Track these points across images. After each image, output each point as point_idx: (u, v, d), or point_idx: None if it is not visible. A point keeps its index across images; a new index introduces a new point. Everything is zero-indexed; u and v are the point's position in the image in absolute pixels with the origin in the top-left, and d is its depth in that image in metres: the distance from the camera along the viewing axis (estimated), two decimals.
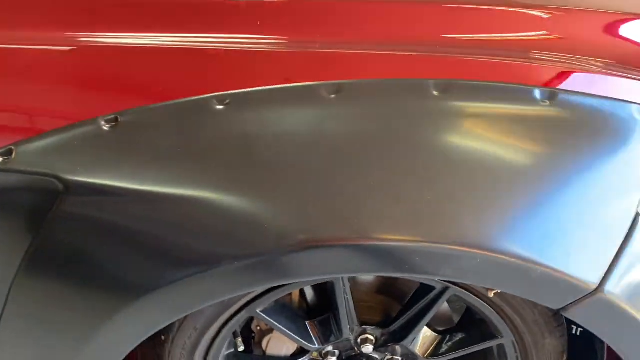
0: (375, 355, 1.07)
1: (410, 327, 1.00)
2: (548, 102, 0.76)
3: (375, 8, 0.84)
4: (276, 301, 0.99)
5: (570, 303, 0.74)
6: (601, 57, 0.82)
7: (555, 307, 0.75)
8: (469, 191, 0.70)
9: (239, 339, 1.03)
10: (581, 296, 0.73)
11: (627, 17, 0.88)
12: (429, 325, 1.05)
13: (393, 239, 0.69)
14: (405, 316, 1.00)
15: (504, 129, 0.76)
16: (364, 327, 1.04)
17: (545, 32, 0.85)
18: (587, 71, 0.81)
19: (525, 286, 0.72)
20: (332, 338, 1.02)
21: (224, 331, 0.98)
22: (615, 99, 0.77)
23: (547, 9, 0.87)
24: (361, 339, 1.05)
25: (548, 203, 0.72)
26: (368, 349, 1.04)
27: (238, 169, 0.72)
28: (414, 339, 1.02)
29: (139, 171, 0.73)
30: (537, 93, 0.77)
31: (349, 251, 0.70)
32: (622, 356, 0.81)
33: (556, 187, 0.73)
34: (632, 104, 0.79)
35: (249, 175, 0.72)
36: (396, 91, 0.75)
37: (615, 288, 0.73)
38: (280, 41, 0.81)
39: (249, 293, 0.92)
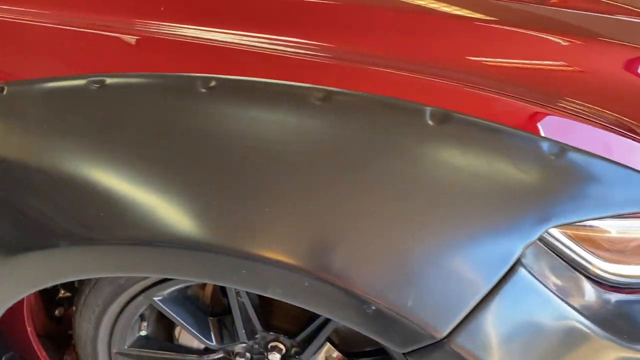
0: None
1: (310, 340, 0.94)
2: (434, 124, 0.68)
3: None
4: (180, 293, 0.98)
5: (416, 349, 0.65)
6: None
7: (399, 349, 0.67)
8: (305, 208, 0.64)
9: (144, 323, 1.03)
10: (426, 344, 0.64)
11: None
12: (336, 345, 0.99)
13: (233, 249, 0.65)
14: (309, 327, 0.95)
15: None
16: (273, 333, 1.00)
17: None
18: None
19: (362, 322, 0.65)
20: (229, 340, 0.99)
21: (126, 312, 0.98)
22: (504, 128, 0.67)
23: None
24: (271, 346, 1.01)
25: (406, 240, 0.64)
26: (275, 356, 1.00)
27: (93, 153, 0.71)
28: (315, 354, 0.96)
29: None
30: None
31: (173, 254, 0.67)
32: None
33: (421, 223, 0.64)
34: (541, 139, 0.69)
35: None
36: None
37: (466, 341, 0.63)
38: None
39: (145, 279, 0.91)
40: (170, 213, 0.69)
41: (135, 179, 0.69)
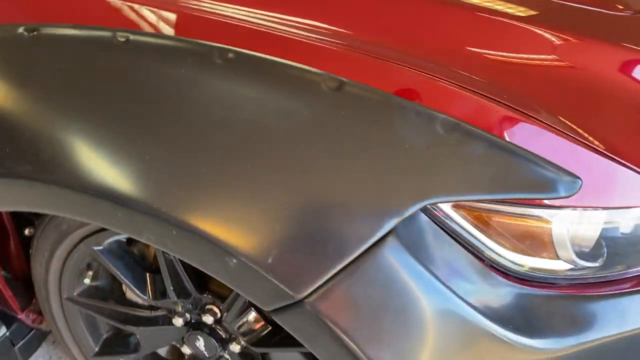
0: (220, 331, 1.05)
1: (232, 302, 0.96)
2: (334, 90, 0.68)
3: None
4: (121, 246, 1.02)
5: (279, 307, 0.66)
6: None
7: (264, 307, 0.68)
8: (179, 159, 0.66)
9: (89, 272, 1.08)
10: (286, 303, 0.65)
11: None
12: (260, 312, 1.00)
13: (110, 193, 0.68)
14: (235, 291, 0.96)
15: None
16: (210, 297, 1.02)
17: None
18: None
19: (226, 275, 0.66)
20: (160, 296, 1.02)
21: (71, 260, 1.04)
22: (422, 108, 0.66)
23: None
24: (206, 308, 1.04)
25: (273, 200, 0.65)
26: (208, 319, 1.03)
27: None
28: (238, 318, 0.97)
29: None
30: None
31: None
32: None
33: (292, 186, 0.65)
34: (435, 113, 0.67)
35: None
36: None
37: (324, 304, 0.63)
38: None
39: (83, 226, 0.96)
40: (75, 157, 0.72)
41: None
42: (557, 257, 0.73)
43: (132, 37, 0.74)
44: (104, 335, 1.21)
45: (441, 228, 0.70)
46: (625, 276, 0.79)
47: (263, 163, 0.66)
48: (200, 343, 1.07)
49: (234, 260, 0.63)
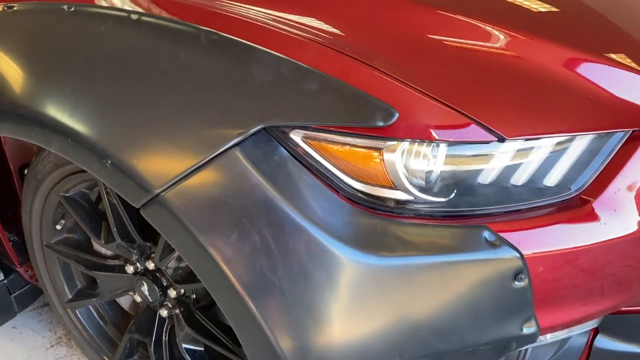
0: (159, 277, 1.21)
1: (162, 246, 1.12)
2: None
3: None
4: (83, 196, 1.22)
5: (145, 203, 0.82)
6: None
7: (135, 204, 0.84)
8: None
9: (62, 221, 1.28)
10: (148, 198, 0.81)
11: None
12: None
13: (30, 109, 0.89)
14: None
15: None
16: (150, 244, 1.19)
17: None
18: None
19: (105, 175, 0.84)
20: (110, 240, 1.20)
21: (47, 208, 1.25)
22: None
23: None
24: (150, 255, 1.20)
25: (142, 111, 0.83)
26: (149, 264, 1.19)
27: None
28: (165, 259, 1.13)
29: None
30: None
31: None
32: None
33: (157, 104, 0.83)
34: (284, 58, 0.83)
35: None
36: None
37: (174, 199, 0.79)
38: None
39: (52, 172, 1.17)
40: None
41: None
42: (395, 187, 0.84)
43: (76, 8, 0.97)
44: (79, 286, 1.40)
45: (294, 157, 0.85)
46: (474, 213, 0.88)
47: (142, 90, 0.84)
48: (145, 288, 1.23)
49: (109, 161, 0.81)
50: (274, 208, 0.79)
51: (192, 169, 0.79)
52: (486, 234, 0.84)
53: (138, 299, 1.28)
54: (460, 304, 0.84)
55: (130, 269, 1.22)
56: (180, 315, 1.20)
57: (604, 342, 1.13)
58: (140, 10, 0.92)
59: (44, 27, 0.98)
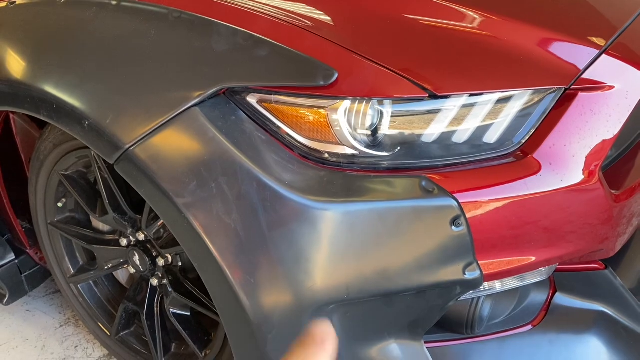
0: (149, 247, 1.32)
1: (148, 214, 1.24)
2: None
3: None
4: (80, 174, 1.35)
5: (117, 158, 0.93)
6: None
7: (110, 161, 0.95)
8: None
9: (63, 199, 1.41)
10: (120, 153, 0.92)
11: None
12: None
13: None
14: None
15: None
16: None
17: None
18: None
19: (84, 135, 0.95)
20: (103, 214, 1.31)
21: (50, 187, 1.38)
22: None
23: None
24: (140, 227, 1.31)
25: (113, 76, 0.95)
26: (140, 236, 1.30)
27: None
28: (150, 226, 1.24)
29: None
30: None
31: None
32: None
33: (127, 73, 0.95)
34: (239, 29, 0.95)
35: None
36: None
37: (142, 153, 0.90)
38: None
39: (52, 152, 1.30)
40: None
41: None
42: (341, 143, 0.94)
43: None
44: (80, 262, 1.52)
45: (250, 118, 0.95)
46: (415, 166, 0.96)
47: (116, 63, 0.97)
48: (136, 258, 1.34)
49: (87, 122, 0.93)
50: (229, 159, 0.89)
51: (157, 126, 0.90)
52: (424, 183, 0.92)
53: (132, 270, 1.39)
54: (401, 247, 0.92)
55: (124, 241, 1.34)
56: (168, 283, 1.30)
57: (562, 299, 1.19)
58: None
59: (39, 17, 1.12)
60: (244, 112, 0.94)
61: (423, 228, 0.92)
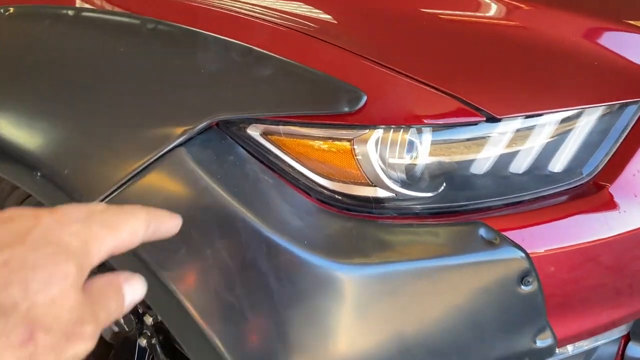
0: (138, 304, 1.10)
1: None
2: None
3: None
4: None
5: None
6: None
7: None
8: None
9: None
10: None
11: None
12: None
13: None
14: None
15: None
16: None
17: None
18: None
19: (36, 188, 0.74)
20: None
21: None
22: None
23: None
24: None
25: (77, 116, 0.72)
26: None
27: None
28: None
29: None
30: None
31: None
32: None
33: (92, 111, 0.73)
34: (233, 42, 0.73)
35: None
36: None
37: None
38: None
39: (10, 195, 1.08)
40: None
41: None
42: (372, 184, 0.72)
43: (12, 9, 0.88)
44: None
45: (253, 156, 0.73)
46: (467, 209, 0.75)
47: (75, 91, 0.74)
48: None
49: (39, 174, 0.71)
50: (228, 215, 0.67)
51: (131, 175, 0.68)
52: (482, 231, 0.71)
53: (116, 328, 1.17)
54: (458, 316, 0.71)
55: None
56: (158, 343, 1.08)
57: (637, 350, 0.99)
58: (80, 4, 0.83)
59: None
60: (244, 148, 0.73)
61: (484, 290, 0.71)
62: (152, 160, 0.68)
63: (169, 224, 0.50)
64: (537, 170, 0.79)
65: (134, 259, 0.68)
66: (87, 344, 0.40)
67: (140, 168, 0.68)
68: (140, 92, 0.72)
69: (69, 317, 0.38)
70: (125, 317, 1.11)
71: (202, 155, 0.70)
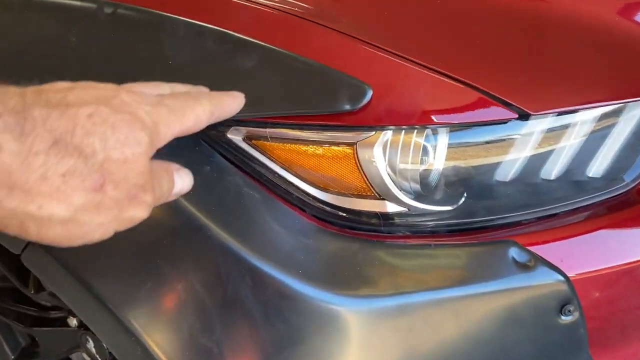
0: None
1: None
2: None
3: None
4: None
5: (23, 248, 0.58)
6: None
7: (14, 250, 0.60)
8: None
9: None
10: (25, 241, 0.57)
11: None
12: None
13: None
14: None
15: None
16: None
17: None
18: None
19: None
20: (40, 287, 0.97)
21: None
22: None
23: None
24: None
25: None
26: None
27: None
28: None
29: None
30: None
31: None
32: None
33: None
34: (208, 26, 0.60)
35: None
36: None
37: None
38: None
39: None
40: None
41: None
42: (380, 196, 0.60)
43: None
44: (22, 344, 1.17)
45: (235, 165, 0.61)
46: (493, 224, 0.63)
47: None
48: (91, 345, 0.99)
49: None
50: (204, 241, 0.54)
51: None
52: (514, 251, 0.59)
53: (88, 358, 1.04)
54: (486, 354, 0.59)
55: (73, 321, 0.99)
56: None
57: None
58: None
59: None
60: (223, 156, 0.60)
61: (517, 323, 0.59)
62: None
63: (232, 106, 0.51)
64: (572, 177, 0.66)
65: (87, 296, 0.55)
66: (144, 212, 0.42)
67: None
68: None
69: (135, 181, 0.40)
70: (97, 345, 0.98)
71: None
